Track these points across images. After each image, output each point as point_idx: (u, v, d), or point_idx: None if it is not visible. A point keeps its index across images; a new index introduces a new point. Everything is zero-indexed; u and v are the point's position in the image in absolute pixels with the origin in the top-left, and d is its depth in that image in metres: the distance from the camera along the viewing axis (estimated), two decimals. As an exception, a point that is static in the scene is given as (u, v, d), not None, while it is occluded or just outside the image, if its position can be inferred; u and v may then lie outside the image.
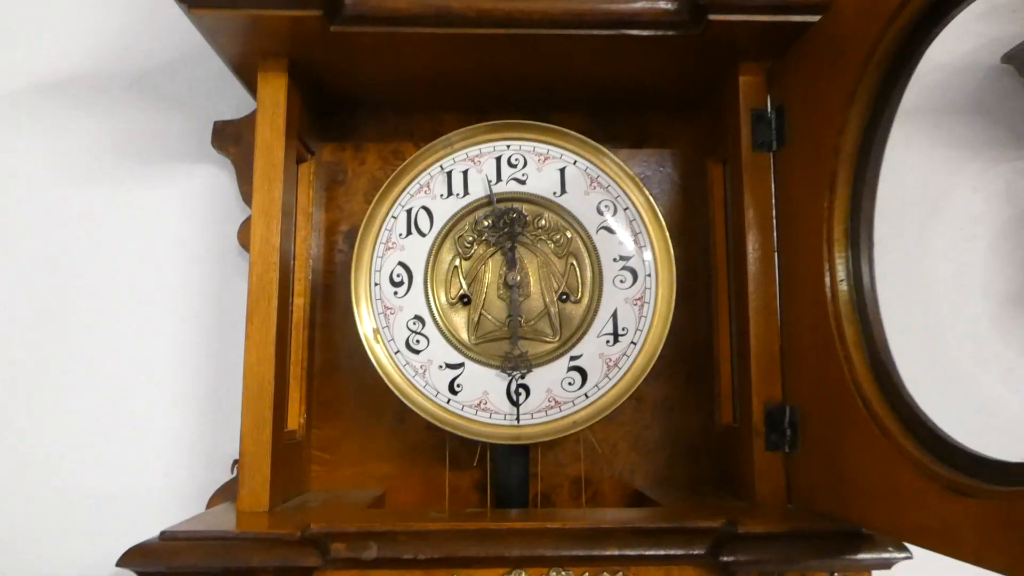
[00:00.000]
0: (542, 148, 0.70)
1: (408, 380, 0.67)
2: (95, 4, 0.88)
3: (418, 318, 0.68)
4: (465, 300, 0.69)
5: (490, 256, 0.70)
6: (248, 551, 0.56)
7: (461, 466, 0.75)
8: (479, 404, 0.67)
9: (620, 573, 0.56)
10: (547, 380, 0.68)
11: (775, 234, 0.69)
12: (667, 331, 0.67)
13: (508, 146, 0.70)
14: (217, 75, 0.84)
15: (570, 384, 0.67)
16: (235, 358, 0.81)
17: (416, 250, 0.69)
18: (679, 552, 0.57)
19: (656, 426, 0.79)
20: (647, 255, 0.69)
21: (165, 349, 0.83)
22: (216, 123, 0.82)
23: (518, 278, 0.69)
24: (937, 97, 0.86)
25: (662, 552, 0.57)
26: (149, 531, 0.58)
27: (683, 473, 0.79)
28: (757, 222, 0.69)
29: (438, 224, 0.69)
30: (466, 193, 0.70)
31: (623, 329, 0.68)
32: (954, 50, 0.87)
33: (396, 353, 0.67)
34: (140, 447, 0.81)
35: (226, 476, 0.78)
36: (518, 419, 0.67)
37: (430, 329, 0.68)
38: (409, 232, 0.69)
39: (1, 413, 0.81)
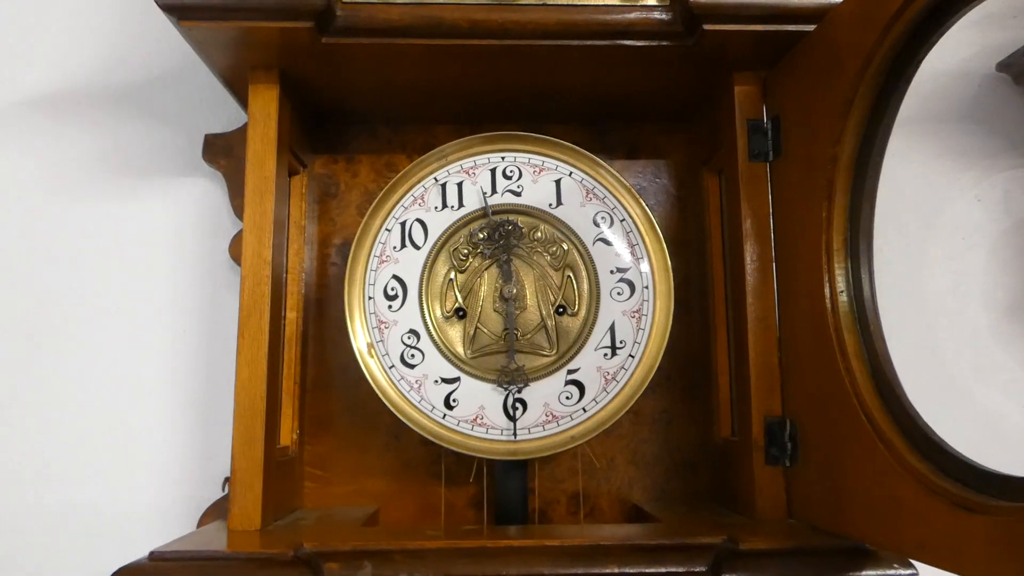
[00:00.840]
0: (537, 160, 0.70)
1: (403, 395, 0.66)
2: (85, 18, 0.87)
3: (413, 332, 0.67)
4: (460, 314, 0.68)
5: (485, 269, 0.69)
6: (240, 572, 0.55)
7: (457, 482, 0.74)
8: (475, 419, 0.66)
9: (620, 591, 0.55)
10: (544, 394, 0.67)
11: (773, 245, 0.68)
12: (665, 344, 0.67)
13: (503, 158, 0.70)
14: (208, 88, 0.83)
15: (568, 398, 0.66)
16: (226, 373, 0.80)
17: (410, 263, 0.68)
18: (679, 569, 0.56)
19: (654, 440, 0.78)
20: (644, 267, 0.68)
21: (156, 364, 0.81)
22: (207, 136, 0.82)
23: (514, 291, 0.68)
24: (933, 106, 0.86)
25: (662, 569, 0.56)
26: (139, 549, 0.57)
27: (681, 487, 0.78)
28: (754, 233, 0.68)
29: (432, 237, 0.68)
30: (461, 205, 0.69)
31: (621, 342, 0.67)
32: (949, 58, 0.87)
33: (391, 368, 0.66)
34: (130, 464, 0.80)
35: (217, 493, 0.77)
36: (515, 434, 0.66)
37: (425, 343, 0.67)
38: (403, 245, 0.68)
39: (-12, 431, 0.80)
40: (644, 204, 0.69)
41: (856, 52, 0.56)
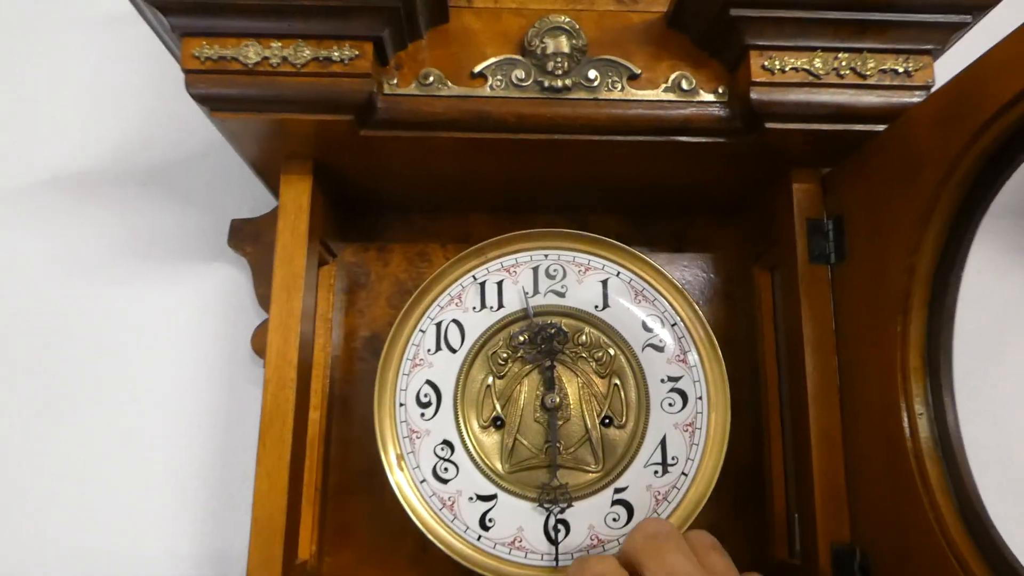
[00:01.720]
0: (583, 258, 0.65)
1: (435, 513, 0.61)
2: (111, 98, 0.85)
3: (447, 443, 0.62)
4: (498, 423, 0.63)
5: (526, 375, 0.64)
6: None
7: (490, 605, 0.68)
8: (513, 542, 0.60)
9: None
10: (589, 515, 0.61)
11: (836, 355, 0.63)
12: (722, 461, 0.61)
13: (546, 255, 0.65)
14: (236, 169, 0.80)
15: (615, 520, 0.61)
16: (243, 469, 0.76)
17: (446, 367, 0.63)
18: None
19: (702, 558, 0.72)
20: (698, 375, 0.63)
21: (168, 462, 0.76)
22: (233, 221, 0.78)
23: (557, 400, 0.63)
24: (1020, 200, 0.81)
25: None
26: None
27: (733, 611, 0.71)
28: (815, 340, 0.63)
29: (470, 339, 0.64)
30: (500, 306, 0.64)
31: (673, 458, 0.61)
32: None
33: (422, 483, 0.61)
34: (140, 566, 0.74)
35: (228, 605, 0.71)
36: (557, 559, 0.60)
37: (460, 455, 0.62)
38: (438, 348, 0.63)
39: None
40: (697, 307, 0.64)
41: (938, 157, 0.52)
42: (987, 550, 0.49)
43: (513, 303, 0.64)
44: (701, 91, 0.60)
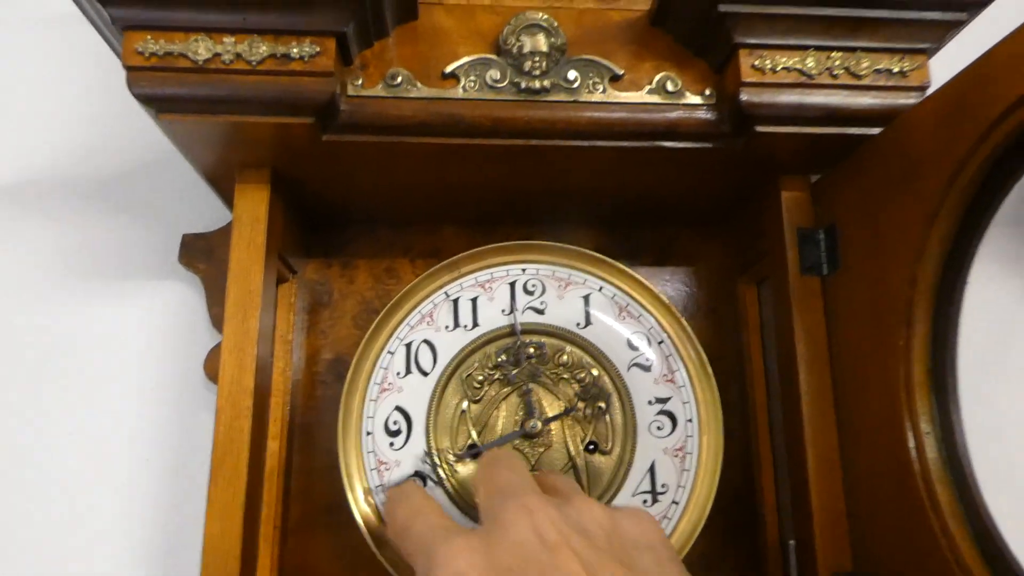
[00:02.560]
0: (563, 272, 0.61)
1: (406, 553, 0.55)
2: (52, 102, 0.79)
3: (418, 475, 0.57)
4: (475, 452, 0.58)
5: (503, 399, 0.59)
6: None
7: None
8: (492, 581, 0.55)
9: None
10: (574, 550, 0.56)
11: (831, 372, 0.59)
12: (715, 488, 0.57)
13: (523, 270, 0.61)
14: (187, 182, 0.75)
15: (601, 555, 0.56)
16: (196, 505, 0.70)
17: (417, 392, 0.58)
18: None
19: (693, 590, 0.67)
20: (687, 396, 0.59)
21: (117, 494, 0.70)
22: (185, 236, 0.72)
23: (538, 425, 0.58)
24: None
25: None
26: None
27: (726, 647, 0.67)
28: (810, 357, 0.60)
29: (443, 361, 0.59)
30: (475, 324, 0.60)
31: (663, 486, 0.57)
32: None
33: (391, 519, 0.55)
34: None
35: (177, 659, 0.65)
36: (540, 599, 0.55)
37: (433, 488, 0.57)
38: (408, 371, 0.58)
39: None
40: (685, 323, 0.60)
41: (941, 160, 0.49)
42: (1007, 581, 0.45)
43: (488, 322, 0.60)
44: (687, 93, 0.56)
